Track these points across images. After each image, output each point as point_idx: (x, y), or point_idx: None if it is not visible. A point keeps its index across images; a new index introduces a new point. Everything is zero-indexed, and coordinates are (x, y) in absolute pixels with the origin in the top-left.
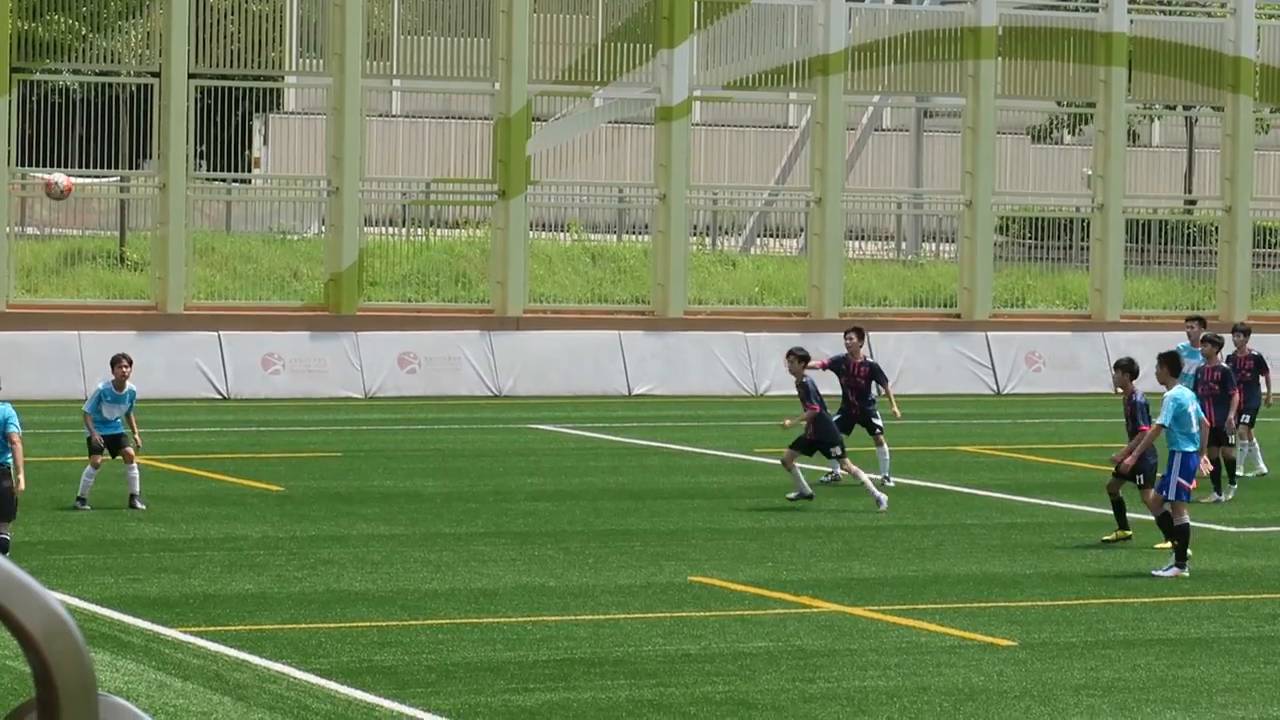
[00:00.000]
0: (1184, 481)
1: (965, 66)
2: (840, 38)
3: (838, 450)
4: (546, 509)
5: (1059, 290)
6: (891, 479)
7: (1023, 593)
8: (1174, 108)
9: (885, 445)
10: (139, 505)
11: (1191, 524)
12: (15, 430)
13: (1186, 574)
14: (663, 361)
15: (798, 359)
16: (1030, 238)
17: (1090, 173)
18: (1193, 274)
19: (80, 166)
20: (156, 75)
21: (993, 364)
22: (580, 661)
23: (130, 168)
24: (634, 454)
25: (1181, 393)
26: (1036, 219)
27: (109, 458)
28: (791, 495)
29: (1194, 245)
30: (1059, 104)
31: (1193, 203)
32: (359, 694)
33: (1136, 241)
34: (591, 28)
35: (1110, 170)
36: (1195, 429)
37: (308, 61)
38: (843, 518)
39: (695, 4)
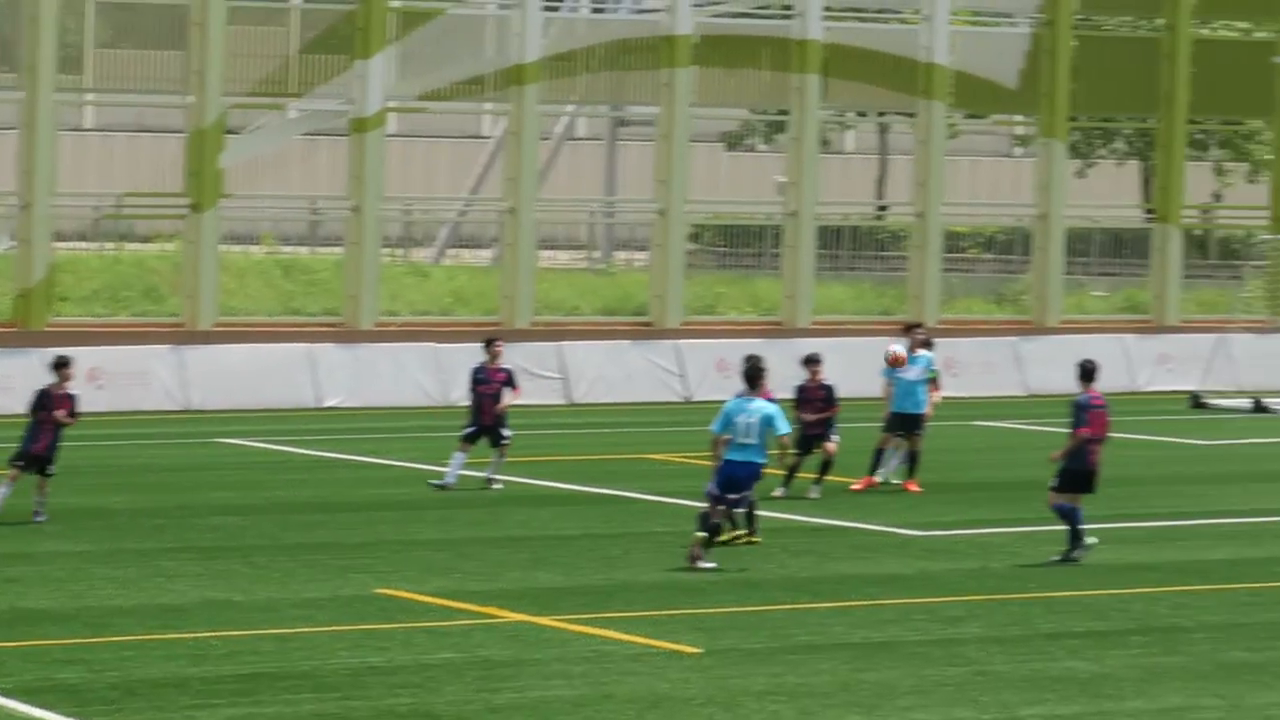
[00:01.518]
0: (712, 488)
1: (660, 75)
2: (536, 47)
3: None
4: (233, 523)
5: (750, 297)
6: (498, 482)
7: (709, 599)
8: (865, 114)
9: (504, 456)
10: None
11: (716, 521)
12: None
13: (714, 566)
14: (353, 373)
15: None
16: (723, 245)
17: (783, 180)
18: (884, 279)
19: None
20: None
21: (683, 372)
22: (265, 676)
23: None
24: (323, 466)
25: (732, 404)
26: (729, 226)
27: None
28: None
29: (886, 251)
30: (753, 112)
31: (884, 208)
32: (40, 712)
33: (828, 248)
34: (287, 40)
35: (803, 177)
36: (746, 440)
37: None
38: (530, 527)
39: (391, 15)
